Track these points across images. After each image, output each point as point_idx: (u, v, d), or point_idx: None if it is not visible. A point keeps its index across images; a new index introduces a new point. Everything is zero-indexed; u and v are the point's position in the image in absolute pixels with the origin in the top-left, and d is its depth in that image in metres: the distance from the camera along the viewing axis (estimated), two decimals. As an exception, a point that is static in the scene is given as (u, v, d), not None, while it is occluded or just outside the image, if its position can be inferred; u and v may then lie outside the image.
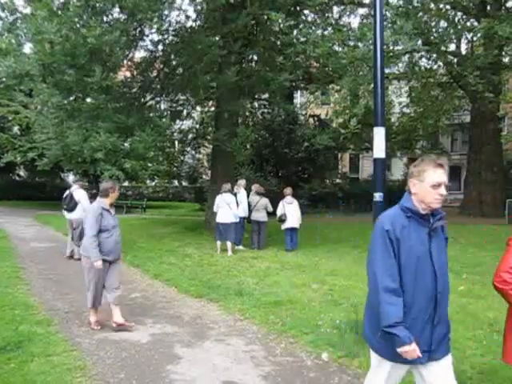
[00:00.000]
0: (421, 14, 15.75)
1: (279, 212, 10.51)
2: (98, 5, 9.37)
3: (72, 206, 9.49)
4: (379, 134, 4.56)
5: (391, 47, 9.87)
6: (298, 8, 11.79)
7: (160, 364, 4.05)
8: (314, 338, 4.62)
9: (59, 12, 9.12)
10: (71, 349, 4.35)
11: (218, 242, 10.14)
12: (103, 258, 4.83)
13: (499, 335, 4.57)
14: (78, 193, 9.54)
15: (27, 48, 10.89)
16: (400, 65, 18.28)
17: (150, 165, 12.68)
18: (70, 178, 27.90)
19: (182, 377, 3.81)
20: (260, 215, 10.59)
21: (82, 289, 6.91)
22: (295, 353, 4.35)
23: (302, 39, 10.91)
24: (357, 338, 4.42)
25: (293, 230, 10.55)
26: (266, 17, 10.65)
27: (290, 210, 10.51)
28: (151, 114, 11.91)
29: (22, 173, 32.13)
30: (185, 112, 14.95)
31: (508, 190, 22.89)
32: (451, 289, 6.78)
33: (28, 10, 10.15)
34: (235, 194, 10.59)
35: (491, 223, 16.56)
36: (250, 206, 10.91)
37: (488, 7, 17.98)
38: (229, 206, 10.01)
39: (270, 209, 10.65)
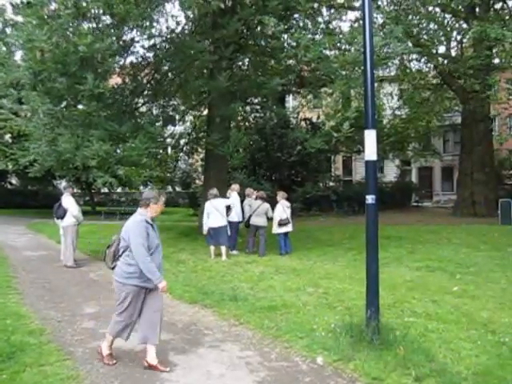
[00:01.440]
0: (411, 17, 15.88)
1: (280, 216, 10.40)
2: (88, 12, 9.35)
3: (61, 213, 9.52)
4: (370, 136, 4.57)
5: (381, 51, 9.91)
6: (288, 12, 11.83)
7: (154, 372, 4.02)
8: (309, 342, 4.61)
9: (50, 20, 9.09)
10: (64, 358, 4.30)
11: (212, 247, 10.07)
12: (142, 285, 4.04)
13: (494, 335, 4.60)
14: (66, 200, 9.57)
15: (18, 56, 10.88)
16: (391, 68, 18.41)
17: (142, 171, 12.66)
18: (63, 185, 27.77)
19: (177, 384, 3.78)
20: (260, 220, 10.52)
21: (74, 297, 6.89)
22: (290, 357, 4.33)
23: (293, 43, 10.95)
24: (352, 341, 4.42)
25: (286, 233, 10.53)
26: (256, 21, 10.68)
27: (289, 214, 10.52)
28: (143, 121, 11.89)
29: (13, 181, 31.95)
30: (177, 117, 14.94)
31: (500, 189, 23.07)
32: (445, 289, 6.81)
33: (20, 18, 10.11)
34: (228, 199, 10.57)
35: (484, 223, 16.66)
36: (243, 210, 10.89)
37: (477, 9, 18.16)
38: (218, 211, 9.90)
39: (271, 214, 10.51)
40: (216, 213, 9.89)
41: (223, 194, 10.70)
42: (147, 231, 4.04)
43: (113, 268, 4.22)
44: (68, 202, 9.57)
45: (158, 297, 4.20)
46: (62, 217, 9.57)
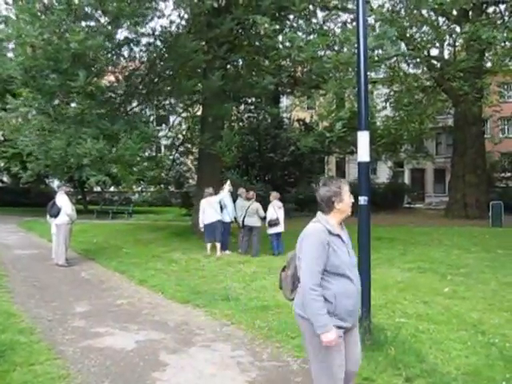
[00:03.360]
0: (404, 19, 15.96)
1: (271, 216, 10.43)
2: (81, 9, 9.29)
3: (55, 211, 9.49)
4: (363, 138, 4.59)
5: (375, 52, 9.96)
6: (282, 13, 11.85)
7: (145, 371, 4.00)
8: (301, 342, 4.61)
9: (42, 16, 9.04)
10: (55, 357, 4.28)
11: (209, 244, 10.35)
12: (336, 324, 2.70)
13: (483, 336, 4.64)
14: (61, 198, 9.53)
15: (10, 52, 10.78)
16: (383, 69, 18.47)
17: (135, 169, 12.59)
18: (55, 183, 27.57)
19: (168, 384, 3.77)
20: (253, 220, 10.52)
21: (66, 296, 6.86)
22: (282, 357, 4.34)
23: (287, 43, 10.96)
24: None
25: (279, 233, 10.54)
26: (250, 21, 10.68)
27: (281, 214, 10.52)
28: (136, 120, 11.83)
29: (5, 178, 31.67)
30: (170, 117, 14.90)
31: (491, 192, 23.26)
32: (436, 290, 6.86)
33: (12, 14, 10.03)
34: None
35: (475, 225, 16.78)
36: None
37: (470, 13, 18.30)
38: (213, 208, 10.33)
39: (262, 214, 10.51)
40: (211, 209, 10.31)
41: (216, 194, 10.78)
42: (330, 246, 2.73)
43: (293, 299, 2.98)
44: (62, 200, 9.54)
45: (354, 345, 2.90)
46: (55, 215, 9.52)
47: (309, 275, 2.70)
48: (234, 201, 11.02)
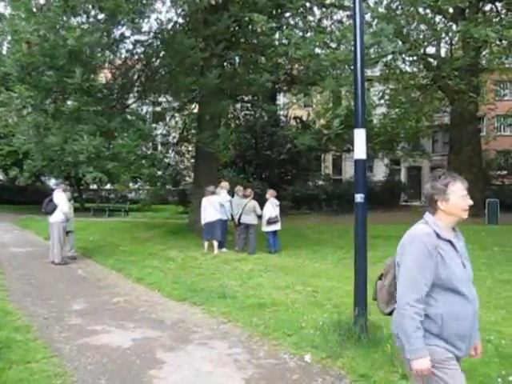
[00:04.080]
0: (400, 16, 15.96)
1: (269, 214, 10.43)
2: (77, 6, 9.25)
3: (50, 208, 9.42)
4: (360, 136, 4.59)
5: (372, 50, 9.96)
6: (279, 10, 11.83)
7: (142, 369, 4.00)
8: (298, 339, 4.63)
9: (38, 12, 8.99)
10: (51, 355, 4.27)
11: (206, 242, 10.36)
12: (446, 348, 2.24)
13: (479, 333, 4.64)
14: (58, 196, 9.49)
15: (5, 48, 10.72)
16: (380, 67, 18.48)
17: (132, 167, 12.56)
18: (52, 181, 27.45)
19: (165, 382, 3.77)
20: (249, 218, 10.52)
21: (62, 294, 6.84)
22: (278, 355, 4.34)
23: (284, 41, 10.94)
24: (340, 338, 4.44)
25: (275, 231, 10.55)
26: (247, 18, 10.66)
27: (277, 212, 10.53)
28: (133, 117, 11.80)
29: (1, 176, 31.50)
30: (167, 114, 14.87)
31: (487, 189, 23.34)
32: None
33: (8, 11, 10.00)
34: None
35: (471, 223, 16.81)
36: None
37: (466, 11, 18.31)
38: (214, 207, 10.31)
39: (259, 212, 10.53)
40: (211, 208, 10.32)
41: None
42: (436, 254, 2.25)
43: (389, 313, 2.54)
44: (59, 197, 9.50)
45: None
46: (50, 212, 9.46)
47: (408, 287, 2.23)
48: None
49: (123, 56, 12.31)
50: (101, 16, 9.81)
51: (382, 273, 2.69)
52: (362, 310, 4.46)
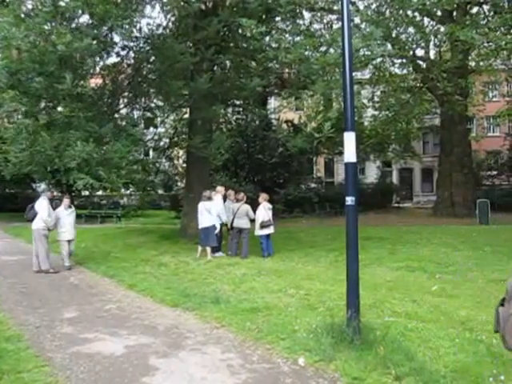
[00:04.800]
0: (389, 19, 16.09)
1: (263, 218, 10.41)
2: (66, 11, 9.22)
3: (31, 215, 9.31)
4: (350, 139, 4.62)
5: (361, 53, 10.03)
6: (269, 15, 11.87)
7: (135, 376, 3.98)
8: (291, 343, 4.62)
9: (27, 18, 8.95)
10: (43, 364, 4.23)
11: (200, 248, 10.34)
12: None
13: (471, 333, 4.68)
14: (40, 203, 9.34)
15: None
16: (370, 69, 18.61)
17: (123, 172, 12.50)
18: (42, 187, 27.24)
19: (158, 388, 3.75)
20: (242, 222, 10.51)
21: (54, 302, 6.79)
22: (272, 359, 4.34)
23: (274, 45, 10.98)
24: (333, 341, 4.44)
25: (268, 235, 10.55)
26: (237, 23, 10.69)
27: (271, 216, 10.54)
28: (124, 123, 11.78)
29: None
30: (158, 119, 14.85)
31: (478, 190, 23.54)
32: (424, 289, 6.90)
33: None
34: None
35: (462, 223, 16.97)
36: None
37: (454, 13, 18.51)
38: (209, 212, 10.27)
39: (252, 216, 10.54)
40: (206, 213, 10.28)
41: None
42: None
43: None
44: (41, 205, 9.29)
45: None
46: (31, 219, 9.31)
47: None
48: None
49: (113, 61, 12.28)
50: (90, 22, 9.78)
51: (503, 297, 2.25)
52: (355, 313, 4.47)
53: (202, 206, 10.39)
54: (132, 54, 12.06)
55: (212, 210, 10.30)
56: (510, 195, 24.47)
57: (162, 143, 15.80)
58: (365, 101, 22.88)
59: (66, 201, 9.91)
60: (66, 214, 9.65)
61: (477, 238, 12.62)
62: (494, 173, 29.10)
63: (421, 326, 4.96)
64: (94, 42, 9.53)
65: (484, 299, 6.14)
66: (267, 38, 11.54)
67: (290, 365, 4.17)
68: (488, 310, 5.60)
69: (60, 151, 9.71)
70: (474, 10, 19.43)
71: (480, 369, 3.79)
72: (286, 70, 13.24)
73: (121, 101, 12.81)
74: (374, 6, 17.27)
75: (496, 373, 3.68)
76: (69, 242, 9.62)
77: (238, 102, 16.30)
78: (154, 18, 12.25)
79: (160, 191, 29.16)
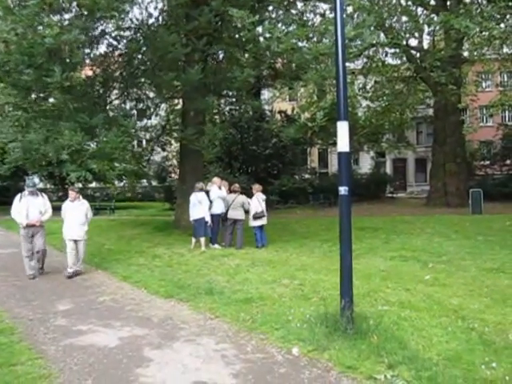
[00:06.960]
0: (382, 9, 16.02)
1: (256, 209, 10.41)
2: (55, 2, 9.08)
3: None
4: (343, 128, 4.59)
5: (354, 42, 9.97)
6: (261, 4, 11.76)
7: (129, 368, 3.97)
8: (285, 333, 4.63)
9: (15, 10, 8.81)
10: (36, 357, 4.21)
11: (193, 239, 10.35)
12: None
13: (463, 322, 4.72)
14: (15, 199, 8.26)
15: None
16: (363, 59, 18.55)
17: (117, 165, 12.43)
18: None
19: (152, 380, 3.74)
20: (237, 213, 10.50)
21: (47, 295, 6.76)
22: (266, 349, 4.35)
23: (267, 35, 10.88)
24: (327, 331, 4.46)
25: (261, 226, 10.55)
26: (229, 13, 10.59)
27: (264, 207, 10.53)
28: (116, 114, 11.67)
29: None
30: (151, 110, 14.73)
31: (471, 180, 23.66)
32: (417, 278, 6.94)
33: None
34: (207, 192, 10.60)
35: (456, 213, 17.06)
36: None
37: (448, 2, 18.46)
38: (201, 204, 10.24)
39: (248, 207, 10.52)
40: (199, 205, 10.24)
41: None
42: None
43: None
44: (14, 201, 8.18)
45: None
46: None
47: None
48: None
49: (103, 52, 12.13)
50: (78, 13, 9.65)
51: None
52: (348, 302, 4.48)
53: (195, 197, 10.36)
54: (123, 45, 11.93)
55: (203, 202, 10.26)
56: (502, 185, 24.61)
57: (154, 134, 15.70)
58: (358, 91, 22.85)
59: (71, 193, 8.34)
60: (71, 208, 8.21)
61: (470, 228, 12.70)
62: (487, 163, 29.23)
63: (414, 314, 4.99)
64: (83, 33, 9.41)
65: (476, 288, 6.18)
66: (260, 28, 11.44)
67: (284, 354, 4.18)
68: (481, 298, 5.66)
69: (49, 142, 9.60)
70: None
71: (472, 357, 3.82)
72: (279, 60, 13.15)
73: (113, 92, 12.69)
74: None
75: (488, 360, 3.71)
76: (75, 242, 8.11)
77: (231, 93, 16.22)
78: (145, 8, 12.04)
79: (154, 182, 29.11)
